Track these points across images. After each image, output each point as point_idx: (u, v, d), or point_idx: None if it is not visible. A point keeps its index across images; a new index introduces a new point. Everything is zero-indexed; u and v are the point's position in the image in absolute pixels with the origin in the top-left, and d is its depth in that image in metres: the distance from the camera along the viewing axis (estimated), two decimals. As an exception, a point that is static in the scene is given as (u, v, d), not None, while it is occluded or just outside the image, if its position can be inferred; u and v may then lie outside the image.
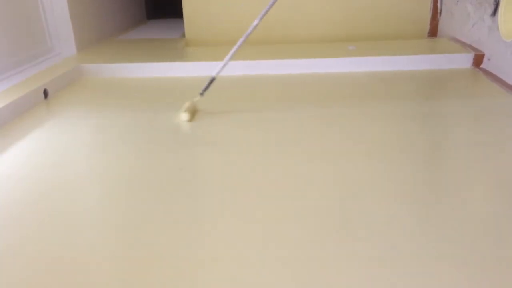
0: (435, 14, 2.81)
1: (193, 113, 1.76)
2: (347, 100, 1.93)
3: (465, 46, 2.37)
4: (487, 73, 2.13)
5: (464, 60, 2.27)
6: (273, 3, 1.74)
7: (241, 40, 1.79)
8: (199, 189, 1.26)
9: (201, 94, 1.81)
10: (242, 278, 0.88)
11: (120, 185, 1.28)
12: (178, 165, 1.38)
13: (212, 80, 1.81)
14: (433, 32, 2.84)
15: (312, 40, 2.86)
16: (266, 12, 1.77)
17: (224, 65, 1.80)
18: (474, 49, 2.30)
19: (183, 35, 3.03)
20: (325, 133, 1.59)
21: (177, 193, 1.22)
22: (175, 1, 3.27)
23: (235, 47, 1.80)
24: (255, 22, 1.78)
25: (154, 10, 4.34)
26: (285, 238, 1.00)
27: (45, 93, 2.02)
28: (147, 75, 2.38)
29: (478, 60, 2.24)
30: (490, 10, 2.10)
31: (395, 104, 1.84)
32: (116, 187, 1.28)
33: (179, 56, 2.64)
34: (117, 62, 2.44)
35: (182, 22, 2.94)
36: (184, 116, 1.71)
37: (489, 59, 2.17)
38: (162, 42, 3.01)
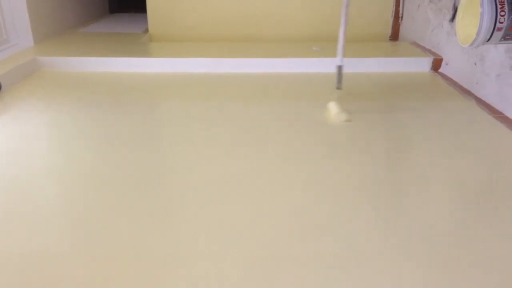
0: (397, 18, 2.87)
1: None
2: (309, 100, 1.95)
3: (425, 51, 2.44)
4: (445, 77, 2.19)
5: (423, 64, 2.33)
6: None
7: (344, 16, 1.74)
8: (162, 185, 1.23)
9: (339, 88, 1.71)
10: (212, 277, 0.87)
11: (76, 182, 1.24)
12: (136, 162, 1.35)
13: (340, 68, 1.72)
14: (394, 36, 2.91)
15: (277, 40, 2.87)
16: None
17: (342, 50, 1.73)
18: (433, 53, 2.36)
19: (146, 30, 2.97)
20: (285, 133, 1.59)
21: (136, 189, 1.19)
22: (138, -5, 3.21)
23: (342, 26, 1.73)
24: None
25: (117, 3, 4.24)
26: (256, 238, 0.99)
27: (-2, 86, 1.94)
28: (107, 69, 2.32)
29: (436, 64, 2.30)
30: (449, 16, 2.16)
31: (357, 105, 1.87)
32: (71, 183, 1.24)
33: (141, 51, 2.58)
34: (76, 55, 2.37)
35: (146, 16, 2.88)
36: (343, 116, 1.65)
37: (447, 64, 2.23)
38: (124, 37, 2.94)
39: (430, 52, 2.39)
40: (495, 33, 1.43)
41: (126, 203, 1.13)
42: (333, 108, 1.70)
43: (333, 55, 2.42)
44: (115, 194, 1.17)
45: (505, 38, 1.45)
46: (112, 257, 0.93)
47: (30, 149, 1.45)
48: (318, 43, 2.71)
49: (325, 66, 2.35)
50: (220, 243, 0.97)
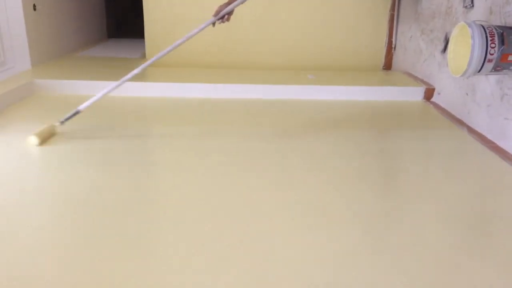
0: (390, 48, 2.93)
1: (47, 137, 1.65)
2: (303, 127, 1.96)
3: (417, 80, 2.48)
4: (437, 106, 2.23)
5: (416, 93, 2.37)
6: (206, 25, 1.74)
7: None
8: (150, 211, 1.23)
9: (62, 122, 1.71)
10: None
11: (64, 206, 1.23)
12: (130, 187, 1.35)
13: (76, 112, 1.73)
14: (387, 65, 2.96)
15: (273, 67, 2.90)
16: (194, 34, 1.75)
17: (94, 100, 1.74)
18: (425, 83, 2.40)
19: (144, 55, 3.00)
20: (278, 159, 1.60)
21: (127, 214, 1.18)
22: (136, 21, 3.25)
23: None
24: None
25: (115, 28, 4.30)
26: (234, 263, 0.98)
27: (-7, 107, 1.94)
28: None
29: (429, 93, 2.34)
30: (440, 47, 2.21)
31: (349, 132, 1.89)
32: (59, 208, 1.23)
33: (138, 75, 2.60)
34: (73, 78, 2.38)
35: (143, 42, 2.92)
36: (33, 139, 1.60)
37: (439, 93, 2.27)
38: (121, 61, 2.97)
39: (422, 81, 2.44)
40: (486, 64, 1.46)
41: (114, 228, 1.12)
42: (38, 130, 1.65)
43: (328, 83, 2.47)
44: (104, 218, 1.16)
45: (495, 69, 1.49)
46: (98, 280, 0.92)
47: (22, 173, 1.44)
48: (313, 71, 2.75)
49: (320, 93, 2.39)
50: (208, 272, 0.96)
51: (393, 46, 2.91)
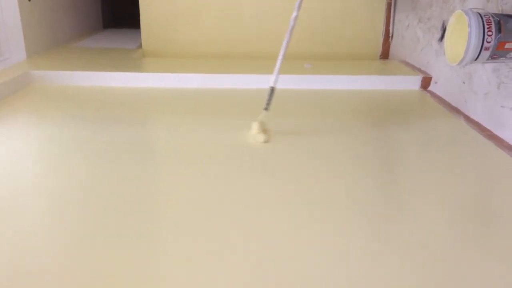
0: (387, 37, 2.92)
1: (266, 131, 1.62)
2: (300, 117, 1.96)
3: (414, 69, 2.47)
4: (434, 95, 2.23)
5: (413, 82, 2.37)
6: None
7: (287, 37, 1.73)
8: (149, 205, 1.23)
9: (266, 108, 1.66)
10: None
11: (62, 197, 1.23)
12: (130, 181, 1.35)
13: (272, 90, 1.67)
14: (385, 54, 2.95)
15: (269, 56, 2.89)
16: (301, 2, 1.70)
17: (277, 72, 1.70)
18: (422, 72, 2.40)
19: (140, 46, 2.99)
20: (277, 148, 1.60)
21: (127, 208, 1.19)
22: (132, 11, 3.23)
23: (283, 49, 1.73)
24: (294, 14, 1.71)
25: (111, 19, 4.27)
26: (233, 257, 0.99)
27: (-11, 99, 1.93)
28: (99, 84, 2.32)
29: (426, 82, 2.34)
30: (438, 35, 2.20)
31: (346, 121, 1.89)
32: (57, 199, 1.23)
33: (134, 66, 2.60)
34: (69, 69, 2.37)
35: (139, 32, 2.90)
36: (260, 137, 1.59)
37: (436, 82, 2.27)
38: (117, 52, 2.95)
39: (419, 70, 2.43)
40: (483, 52, 1.46)
41: (113, 220, 1.12)
42: (254, 128, 1.63)
43: (325, 72, 2.47)
44: (103, 210, 1.17)
45: (492, 57, 1.48)
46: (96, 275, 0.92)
47: (18, 164, 1.44)
48: (310, 60, 2.74)
49: (317, 83, 2.38)
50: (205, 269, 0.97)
51: (390, 35, 2.90)
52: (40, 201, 1.23)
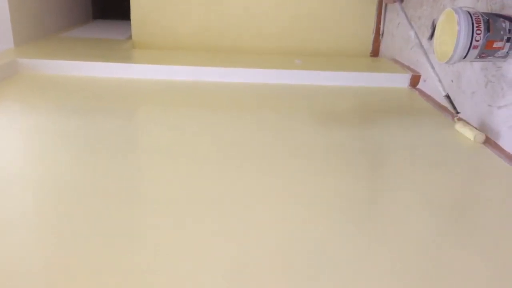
0: (378, 35, 2.93)
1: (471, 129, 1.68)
2: (288, 112, 1.96)
3: (404, 67, 2.49)
4: (422, 93, 2.24)
5: (402, 80, 2.38)
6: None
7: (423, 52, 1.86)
8: (137, 197, 1.22)
9: (458, 112, 1.78)
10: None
11: (46, 188, 1.21)
12: (117, 173, 1.34)
13: (448, 96, 1.79)
14: (375, 52, 2.96)
15: (260, 52, 2.89)
16: None
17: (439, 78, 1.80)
18: (412, 70, 2.41)
19: (130, 37, 2.96)
20: (264, 143, 1.60)
21: (115, 201, 1.18)
22: (122, 2, 3.20)
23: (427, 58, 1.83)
24: (412, 33, 1.90)
25: (100, 10, 4.22)
26: (223, 253, 0.99)
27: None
28: (87, 74, 2.30)
29: (415, 80, 2.35)
30: (427, 34, 2.22)
31: (334, 118, 1.89)
32: (47, 192, 1.21)
33: (123, 57, 2.57)
34: (57, 59, 2.34)
35: (129, 24, 2.88)
36: (480, 136, 1.63)
37: (424, 80, 2.28)
38: (106, 42, 2.93)
39: (408, 68, 2.45)
40: (471, 50, 1.48)
41: (100, 213, 1.11)
42: (463, 130, 1.70)
43: (315, 68, 2.47)
44: (88, 202, 1.15)
45: (480, 56, 1.50)
46: (82, 269, 0.91)
47: (3, 154, 1.42)
48: (300, 56, 2.75)
49: (307, 78, 2.38)
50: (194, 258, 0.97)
51: (380, 33, 2.91)
52: (24, 193, 1.20)
